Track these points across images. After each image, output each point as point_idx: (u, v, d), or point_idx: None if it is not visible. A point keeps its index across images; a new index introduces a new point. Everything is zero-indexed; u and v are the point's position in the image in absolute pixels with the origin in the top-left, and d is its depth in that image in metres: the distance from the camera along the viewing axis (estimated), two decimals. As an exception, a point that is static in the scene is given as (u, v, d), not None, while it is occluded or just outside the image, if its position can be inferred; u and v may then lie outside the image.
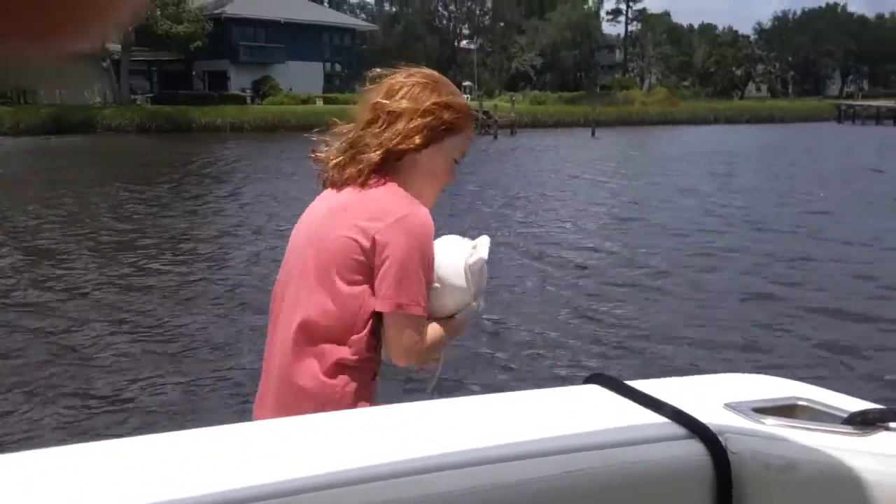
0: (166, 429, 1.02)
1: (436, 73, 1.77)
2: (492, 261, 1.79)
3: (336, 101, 45.54)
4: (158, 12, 42.43)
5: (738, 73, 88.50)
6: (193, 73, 50.90)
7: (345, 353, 1.63)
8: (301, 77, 50.82)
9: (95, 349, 6.48)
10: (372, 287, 1.62)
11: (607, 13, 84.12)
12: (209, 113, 41.64)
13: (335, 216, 1.67)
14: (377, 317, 1.64)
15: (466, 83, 52.30)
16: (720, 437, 0.94)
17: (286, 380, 1.68)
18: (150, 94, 47.18)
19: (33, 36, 0.28)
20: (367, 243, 1.61)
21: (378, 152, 1.66)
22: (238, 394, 5.49)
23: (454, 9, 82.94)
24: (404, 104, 1.67)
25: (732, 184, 19.92)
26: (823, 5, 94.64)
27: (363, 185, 1.66)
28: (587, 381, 1.15)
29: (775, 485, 0.94)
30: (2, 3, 0.25)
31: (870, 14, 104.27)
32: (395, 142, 1.66)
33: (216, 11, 47.47)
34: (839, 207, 15.44)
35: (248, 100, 47.07)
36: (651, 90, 68.59)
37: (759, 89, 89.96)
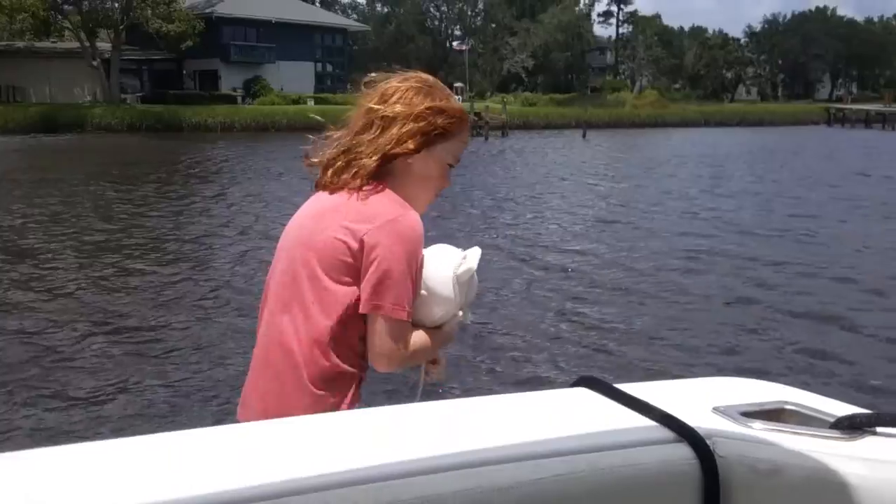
0: (148, 431, 1.01)
1: (430, 78, 1.77)
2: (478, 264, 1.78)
3: (327, 101, 45.51)
4: (149, 11, 42.29)
5: (729, 75, 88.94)
6: (184, 72, 50.72)
7: (331, 356, 1.62)
8: (292, 77, 50.72)
9: (75, 350, 6.44)
10: (360, 289, 1.62)
11: (598, 15, 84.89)
12: (200, 112, 41.48)
13: (325, 217, 1.66)
14: (364, 320, 1.64)
15: (458, 84, 52.43)
16: (708, 441, 0.94)
17: (272, 381, 1.67)
18: (141, 93, 46.97)
19: None
20: (355, 245, 1.60)
21: (374, 158, 1.66)
22: (219, 395, 5.48)
23: (446, 9, 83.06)
24: (398, 109, 1.67)
25: (720, 187, 20.01)
26: (813, 9, 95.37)
27: (357, 189, 1.66)
28: (575, 384, 1.14)
29: (763, 489, 0.94)
30: None
31: (859, 18, 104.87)
32: (389, 147, 1.66)
33: (207, 11, 47.30)
34: (825, 211, 15.53)
35: (240, 100, 46.94)
36: (642, 92, 68.82)
37: (749, 92, 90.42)
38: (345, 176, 1.67)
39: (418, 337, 1.68)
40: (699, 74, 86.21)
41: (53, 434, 4.78)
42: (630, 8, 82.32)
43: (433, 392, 5.09)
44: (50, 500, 0.77)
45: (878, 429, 1.00)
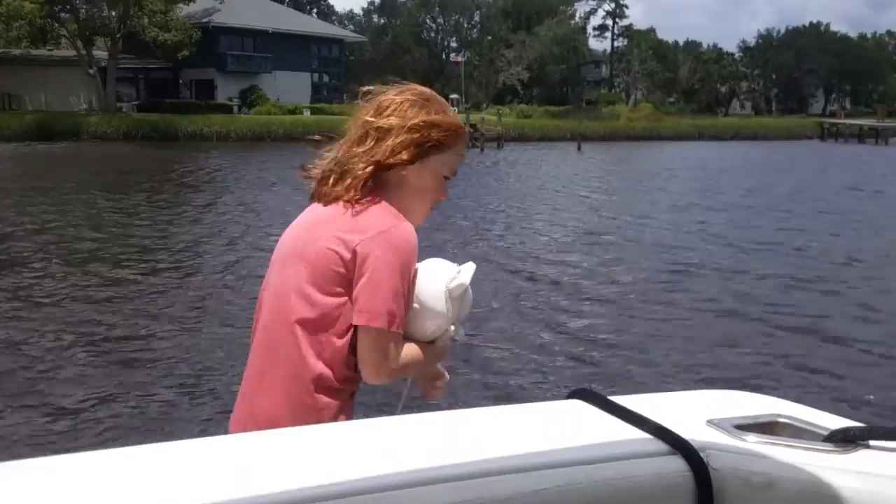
0: (136, 442, 1.00)
1: (427, 91, 1.77)
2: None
3: (323, 111, 45.64)
4: (146, 20, 42.34)
5: (723, 89, 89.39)
6: (180, 81, 50.75)
7: (323, 367, 1.62)
8: (288, 87, 50.83)
9: (59, 360, 6.38)
10: (352, 300, 1.61)
11: (594, 29, 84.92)
12: (196, 122, 41.50)
13: (319, 228, 1.66)
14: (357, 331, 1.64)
15: (454, 96, 52.60)
16: (702, 454, 0.94)
17: (265, 392, 1.67)
18: (137, 102, 47.00)
19: None
20: (347, 255, 1.60)
21: (367, 168, 1.66)
22: (207, 406, 5.44)
23: (442, 21, 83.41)
24: (392, 121, 1.67)
25: (712, 201, 20.07)
26: (807, 24, 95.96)
27: (352, 200, 1.66)
28: (570, 396, 1.15)
29: (757, 501, 0.94)
30: None
31: (853, 34, 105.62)
32: (382, 157, 1.66)
33: (204, 20, 47.39)
34: (816, 225, 15.58)
35: (236, 109, 46.98)
36: (637, 105, 69.11)
37: (742, 106, 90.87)
38: (338, 187, 1.67)
39: (410, 350, 1.68)
40: (693, 88, 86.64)
41: (37, 444, 4.73)
42: (625, 22, 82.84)
43: (423, 405, 5.07)
44: None
45: (872, 442, 1.00)
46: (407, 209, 1.69)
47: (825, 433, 1.02)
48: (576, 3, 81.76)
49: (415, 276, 1.67)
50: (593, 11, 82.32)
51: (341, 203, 1.66)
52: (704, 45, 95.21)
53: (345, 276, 1.61)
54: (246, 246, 12.11)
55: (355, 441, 1.00)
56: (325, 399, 1.62)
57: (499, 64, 75.36)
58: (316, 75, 56.53)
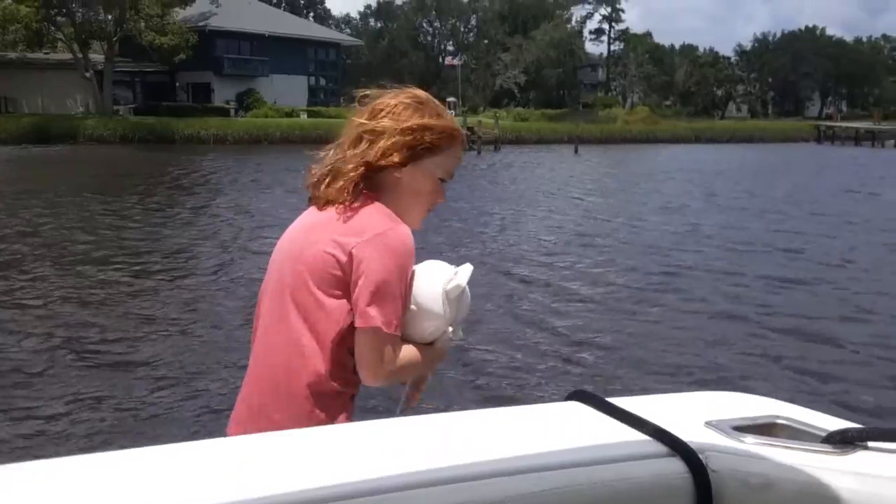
0: (129, 445, 1.00)
1: (423, 94, 1.77)
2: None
3: (320, 114, 45.65)
4: (142, 24, 42.33)
5: (719, 93, 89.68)
6: (177, 84, 50.72)
7: (322, 370, 1.62)
8: (285, 90, 50.83)
9: (46, 363, 6.35)
10: (350, 302, 1.61)
11: (590, 32, 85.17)
12: (192, 125, 41.48)
13: (315, 231, 1.66)
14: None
15: (451, 99, 52.63)
16: (701, 455, 0.95)
17: (264, 395, 1.66)
18: (134, 105, 46.95)
19: None
20: (344, 258, 1.60)
21: (358, 169, 1.66)
22: (199, 408, 5.43)
23: (439, 25, 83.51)
24: (385, 123, 1.67)
25: (708, 203, 20.12)
26: (803, 28, 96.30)
27: (345, 202, 1.66)
28: (569, 397, 1.15)
29: (755, 503, 0.94)
30: None
31: (848, 38, 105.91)
32: (373, 158, 1.66)
33: (200, 24, 47.39)
34: (812, 227, 15.59)
35: (233, 112, 46.98)
36: (633, 108, 69.24)
37: (739, 109, 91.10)
38: (331, 189, 1.67)
39: (408, 352, 1.68)
40: (690, 91, 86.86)
41: (27, 447, 4.71)
42: (621, 26, 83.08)
43: (419, 407, 5.05)
44: None
45: (870, 443, 1.00)
46: (402, 211, 1.69)
47: (823, 434, 1.02)
48: (572, 7, 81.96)
49: (412, 279, 1.67)
50: (589, 15, 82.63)
51: (337, 206, 1.66)
52: (701, 49, 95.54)
53: (342, 279, 1.61)
54: (237, 248, 12.11)
55: (355, 443, 1.00)
56: (325, 401, 1.62)
57: (495, 67, 75.46)
58: (313, 79, 56.55)
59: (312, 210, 1.73)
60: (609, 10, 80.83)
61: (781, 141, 59.85)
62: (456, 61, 68.46)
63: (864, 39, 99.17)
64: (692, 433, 1.00)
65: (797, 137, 61.96)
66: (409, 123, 1.67)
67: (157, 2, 42.63)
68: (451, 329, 1.75)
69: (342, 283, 1.61)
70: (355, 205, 1.65)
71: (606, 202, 20.28)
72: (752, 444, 1.00)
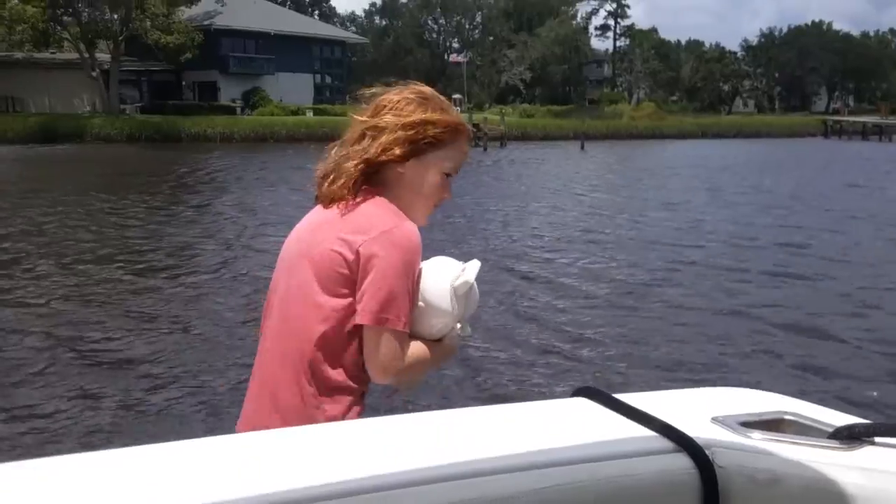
0: (130, 444, 1.00)
1: (427, 89, 1.76)
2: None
3: (326, 112, 45.72)
4: (148, 23, 42.41)
5: (726, 88, 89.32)
6: (183, 83, 50.85)
7: (332, 368, 1.62)
8: (291, 88, 50.88)
9: (47, 361, 6.34)
10: (357, 300, 1.61)
11: (596, 28, 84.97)
12: (199, 123, 41.59)
13: (322, 229, 1.67)
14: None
15: (456, 96, 52.60)
16: (707, 451, 0.94)
17: (273, 394, 1.67)
18: (140, 104, 47.09)
19: None
20: (351, 256, 1.60)
21: (359, 165, 1.66)
22: (204, 406, 5.43)
23: (444, 22, 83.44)
24: (388, 118, 1.67)
25: (714, 198, 20.05)
26: (809, 23, 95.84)
27: (350, 199, 1.66)
28: (575, 394, 1.15)
29: (762, 499, 0.94)
30: None
31: (855, 32, 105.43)
32: (374, 153, 1.66)
33: (206, 23, 47.47)
34: (817, 222, 15.53)
35: (239, 110, 47.06)
36: (639, 104, 69.07)
37: (745, 104, 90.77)
38: (334, 186, 1.68)
39: (416, 349, 1.68)
40: (696, 87, 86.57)
41: (28, 445, 4.72)
42: (627, 21, 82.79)
43: (426, 404, 5.06)
44: None
45: (877, 439, 1.00)
46: (408, 207, 1.68)
47: (830, 430, 1.02)
48: (577, 4, 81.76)
49: (420, 275, 1.67)
50: (595, 11, 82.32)
51: (343, 204, 1.66)
52: (707, 45, 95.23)
53: (349, 278, 1.61)
54: (241, 246, 12.11)
55: (360, 439, 1.00)
56: (335, 399, 1.63)
57: (501, 64, 75.35)
58: (318, 76, 56.62)
59: (319, 208, 1.73)
60: (614, 5, 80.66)
61: (788, 136, 59.63)
62: (461, 58, 68.32)
63: (871, 33, 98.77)
64: (699, 429, 1.00)
65: (804, 132, 61.75)
66: (411, 118, 1.67)
67: (162, 1, 42.73)
68: (459, 325, 1.75)
69: (350, 282, 1.61)
70: (358, 201, 1.65)
71: (612, 198, 20.25)
72: (758, 440, 1.00)
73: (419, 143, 1.67)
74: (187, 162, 28.76)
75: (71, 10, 43.01)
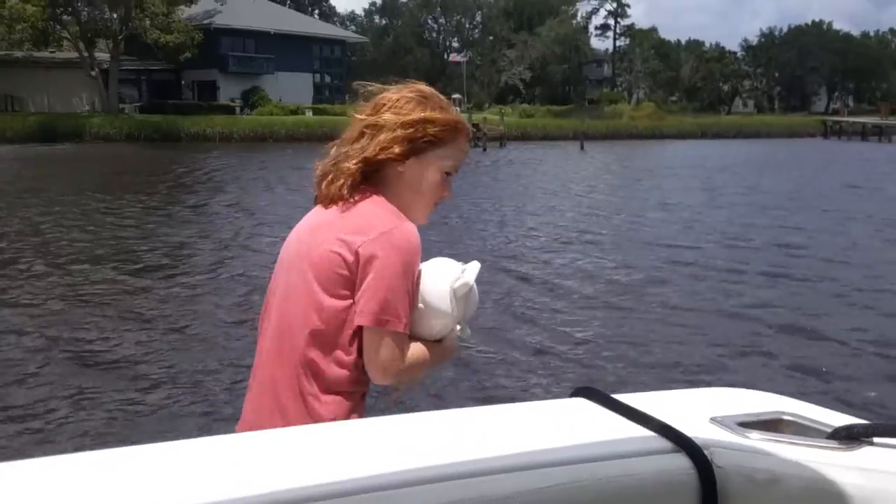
0: (130, 443, 1.00)
1: (427, 88, 1.76)
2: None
3: (325, 111, 45.68)
4: (148, 22, 42.39)
5: (725, 88, 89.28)
6: (183, 82, 50.83)
7: (332, 370, 1.62)
8: (290, 88, 50.85)
9: (38, 362, 6.33)
10: (357, 301, 1.61)
11: (596, 28, 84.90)
12: (198, 122, 41.57)
13: (321, 230, 1.66)
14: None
15: (456, 95, 52.53)
16: (706, 451, 0.95)
17: (274, 395, 1.66)
18: (139, 103, 47.06)
19: None
20: (350, 257, 1.60)
21: (357, 164, 1.65)
22: (199, 406, 5.42)
23: (444, 22, 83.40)
24: (387, 117, 1.67)
25: (712, 199, 20.05)
26: (809, 22, 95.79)
27: (348, 198, 1.65)
28: (574, 394, 1.15)
29: (760, 499, 0.94)
30: None
31: (855, 32, 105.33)
32: (373, 152, 1.66)
33: (205, 22, 47.43)
34: (816, 223, 15.51)
35: (238, 110, 47.02)
36: (639, 104, 69.05)
37: (745, 105, 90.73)
38: (333, 186, 1.67)
39: (416, 350, 1.67)
40: (696, 87, 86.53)
41: (24, 446, 4.70)
42: (627, 21, 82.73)
43: (425, 404, 5.05)
44: None
45: (875, 439, 1.00)
46: (407, 207, 1.68)
47: (829, 430, 1.02)
48: (577, 3, 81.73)
49: (419, 276, 1.67)
50: (595, 11, 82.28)
51: (342, 204, 1.66)
52: (707, 44, 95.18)
53: (349, 279, 1.60)
54: (237, 247, 12.12)
55: (360, 439, 1.00)
56: (335, 401, 1.62)
57: (501, 64, 75.31)
58: (318, 76, 56.57)
59: (318, 209, 1.72)
60: (615, 5, 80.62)
61: (788, 136, 59.62)
62: (461, 58, 68.28)
63: (872, 33, 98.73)
64: (697, 429, 1.00)
65: (804, 132, 61.74)
66: (411, 117, 1.66)
67: (162, 0, 42.68)
68: (458, 327, 1.75)
69: (349, 283, 1.60)
70: (359, 201, 1.65)
71: (610, 199, 20.24)
72: (757, 440, 1.00)
73: (418, 142, 1.66)
74: (186, 161, 28.73)
75: (70, 9, 42.99)
